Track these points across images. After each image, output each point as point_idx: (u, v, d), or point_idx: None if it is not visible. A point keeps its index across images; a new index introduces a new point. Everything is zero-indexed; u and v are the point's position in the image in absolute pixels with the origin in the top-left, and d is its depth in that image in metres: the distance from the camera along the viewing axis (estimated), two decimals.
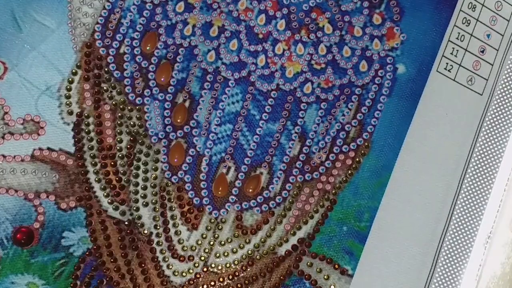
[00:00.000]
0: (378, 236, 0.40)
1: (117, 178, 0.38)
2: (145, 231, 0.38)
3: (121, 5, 0.39)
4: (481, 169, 0.43)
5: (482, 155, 0.43)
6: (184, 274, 0.38)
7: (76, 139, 0.38)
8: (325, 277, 0.39)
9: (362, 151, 0.40)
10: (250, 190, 0.39)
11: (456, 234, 0.42)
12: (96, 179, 0.38)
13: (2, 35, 0.37)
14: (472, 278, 0.42)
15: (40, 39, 0.37)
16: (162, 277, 0.38)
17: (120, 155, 0.38)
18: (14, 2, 0.37)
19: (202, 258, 0.39)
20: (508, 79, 0.44)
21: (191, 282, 0.38)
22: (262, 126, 0.40)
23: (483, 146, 0.43)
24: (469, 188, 0.42)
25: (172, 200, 0.38)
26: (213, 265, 0.39)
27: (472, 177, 0.42)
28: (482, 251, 0.42)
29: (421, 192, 0.41)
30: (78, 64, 0.38)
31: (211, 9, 0.39)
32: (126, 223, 0.38)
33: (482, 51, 0.43)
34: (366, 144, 0.40)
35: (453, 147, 0.42)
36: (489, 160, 0.43)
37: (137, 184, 0.38)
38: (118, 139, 0.38)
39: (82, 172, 0.37)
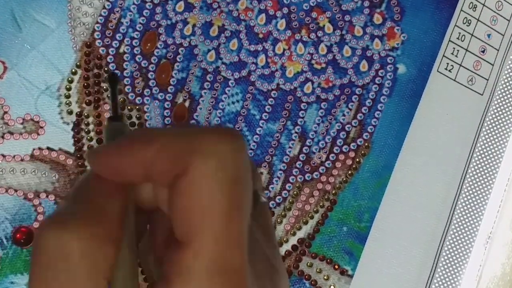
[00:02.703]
0: (378, 237, 0.40)
1: None
2: None
3: (121, 4, 0.38)
4: (481, 169, 0.42)
5: (483, 155, 0.43)
6: None
7: (75, 139, 0.37)
8: (325, 277, 0.39)
9: (362, 151, 0.40)
10: None
11: (456, 234, 0.42)
12: None
13: (2, 35, 0.37)
14: (472, 279, 0.42)
15: (40, 39, 0.37)
16: None
17: None
18: (14, 2, 0.37)
19: None
20: (509, 79, 0.44)
21: None
22: (262, 126, 0.39)
23: (483, 146, 0.43)
24: (469, 188, 0.42)
25: None
26: None
27: (473, 177, 0.42)
28: (483, 251, 0.42)
29: (421, 192, 0.41)
30: (78, 63, 0.38)
31: (211, 9, 0.39)
32: None
33: (483, 51, 0.43)
34: (366, 144, 0.40)
35: (453, 147, 0.42)
36: (489, 160, 0.43)
37: None
38: None
39: (82, 172, 0.37)
